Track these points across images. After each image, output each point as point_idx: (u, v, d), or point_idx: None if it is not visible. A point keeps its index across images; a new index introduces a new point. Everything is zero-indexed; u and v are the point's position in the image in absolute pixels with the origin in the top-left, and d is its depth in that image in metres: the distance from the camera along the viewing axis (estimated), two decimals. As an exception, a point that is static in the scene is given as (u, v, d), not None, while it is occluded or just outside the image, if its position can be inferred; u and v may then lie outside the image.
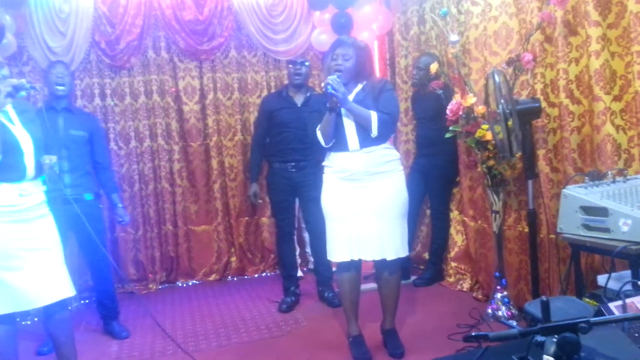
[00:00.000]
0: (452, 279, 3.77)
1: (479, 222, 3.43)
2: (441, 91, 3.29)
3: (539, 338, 1.30)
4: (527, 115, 2.69)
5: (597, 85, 2.46)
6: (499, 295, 3.01)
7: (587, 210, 2.18)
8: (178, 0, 4.28)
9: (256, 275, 4.54)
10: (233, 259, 4.57)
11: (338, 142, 2.60)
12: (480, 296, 3.42)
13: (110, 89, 4.31)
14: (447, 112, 3.07)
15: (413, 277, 3.92)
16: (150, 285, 4.34)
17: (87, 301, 3.99)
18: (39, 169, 2.33)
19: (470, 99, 2.99)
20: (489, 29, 3.12)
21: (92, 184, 3.26)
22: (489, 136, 2.90)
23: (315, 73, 4.52)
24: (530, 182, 2.80)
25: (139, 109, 4.35)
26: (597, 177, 2.35)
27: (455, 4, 3.46)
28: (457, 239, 3.79)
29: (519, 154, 2.80)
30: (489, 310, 3.02)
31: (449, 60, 3.53)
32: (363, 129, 2.55)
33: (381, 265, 2.67)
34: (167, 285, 4.44)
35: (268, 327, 3.27)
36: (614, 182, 2.26)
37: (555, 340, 1.14)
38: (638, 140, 2.40)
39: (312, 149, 3.47)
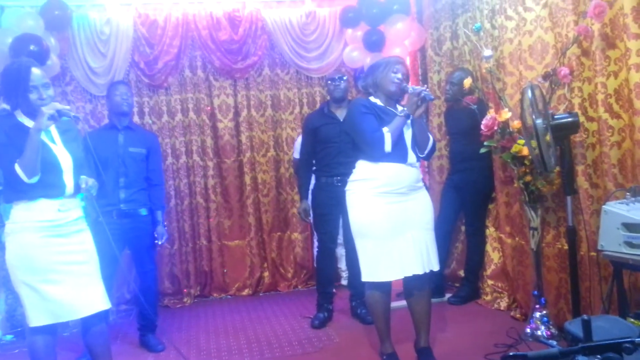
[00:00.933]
0: (488, 297, 3.69)
1: (517, 238, 3.35)
2: (475, 106, 3.26)
3: (580, 358, 1.26)
4: (565, 130, 2.64)
5: (637, 99, 2.40)
6: (537, 314, 2.93)
7: (629, 227, 2.12)
8: (214, 21, 4.41)
9: (288, 291, 4.55)
10: (265, 274, 4.60)
11: (398, 152, 2.59)
12: (518, 315, 3.33)
13: (148, 107, 4.45)
14: (482, 127, 3.04)
15: (447, 295, 3.85)
16: (185, 299, 4.40)
17: (123, 313, 4.08)
18: (78, 186, 2.40)
19: (506, 114, 2.96)
20: (523, 44, 3.08)
21: (147, 199, 3.35)
22: (525, 151, 2.85)
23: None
24: (569, 198, 2.73)
25: (175, 127, 4.47)
26: (639, 192, 2.28)
27: (488, 18, 3.44)
28: (494, 256, 3.71)
29: (556, 170, 2.74)
30: (528, 330, 2.94)
31: (482, 75, 3.50)
32: (414, 145, 2.66)
33: (413, 281, 2.64)
34: (201, 299, 4.50)
35: (300, 343, 3.26)
36: (657, 198, 2.19)
37: (597, 360, 1.11)
38: (683, 154, 2.32)
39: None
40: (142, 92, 4.43)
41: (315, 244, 4.21)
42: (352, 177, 2.70)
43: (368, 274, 2.62)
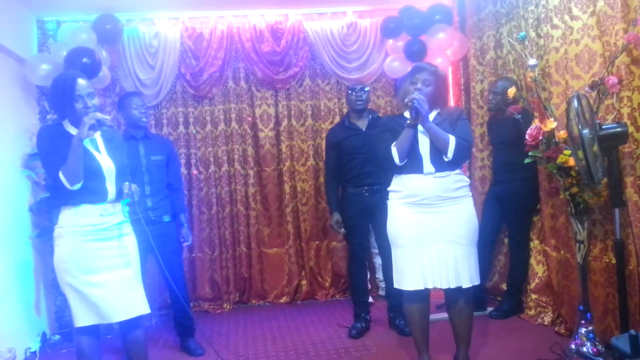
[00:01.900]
0: (532, 312, 3.58)
1: (562, 252, 3.25)
2: (519, 116, 3.20)
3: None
4: (613, 140, 2.56)
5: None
6: (583, 330, 2.82)
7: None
8: (257, 33, 4.51)
9: (326, 300, 4.56)
10: (303, 282, 4.63)
11: (412, 163, 2.58)
12: (562, 331, 3.22)
13: (193, 117, 4.57)
14: (526, 136, 2.99)
15: (489, 309, 3.76)
16: (225, 305, 4.47)
17: (165, 318, 4.17)
18: (121, 192, 2.49)
19: (551, 124, 2.89)
20: (570, 52, 3.02)
21: (170, 206, 3.44)
22: (571, 162, 2.77)
23: (387, 99, 4.58)
24: (617, 211, 2.64)
25: (218, 136, 4.58)
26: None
27: (534, 27, 3.38)
28: (538, 269, 3.61)
29: (604, 181, 2.66)
30: (573, 346, 2.83)
31: (527, 84, 3.43)
32: (437, 152, 2.55)
33: (454, 293, 2.60)
34: (240, 305, 4.56)
35: (338, 353, 3.26)
36: None
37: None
38: None
39: (384, 171, 3.48)
40: (188, 102, 4.56)
41: None
42: (389, 188, 2.73)
43: (396, 281, 2.65)
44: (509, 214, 3.72)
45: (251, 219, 4.61)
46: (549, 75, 3.21)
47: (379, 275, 4.34)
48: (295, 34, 4.53)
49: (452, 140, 2.53)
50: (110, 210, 2.45)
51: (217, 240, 4.53)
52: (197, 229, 4.49)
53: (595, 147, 2.49)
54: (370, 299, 4.16)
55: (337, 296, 4.59)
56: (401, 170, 2.61)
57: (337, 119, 4.59)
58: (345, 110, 4.65)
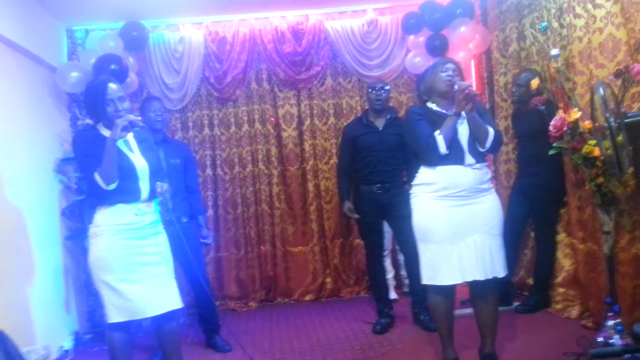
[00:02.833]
0: (559, 306, 3.52)
1: (589, 244, 3.19)
2: (543, 107, 3.16)
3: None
4: (639, 129, 2.49)
5: None
6: (611, 322, 2.75)
7: None
8: (279, 34, 4.56)
9: (351, 297, 4.57)
10: (328, 279, 4.65)
11: (453, 153, 2.55)
12: (590, 324, 3.16)
13: (217, 120, 4.66)
14: (551, 127, 2.94)
15: (515, 304, 3.71)
16: (251, 303, 4.53)
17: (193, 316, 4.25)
18: (153, 192, 2.57)
19: (575, 114, 2.84)
20: (593, 41, 2.96)
21: (187, 207, 3.53)
22: (597, 152, 2.72)
23: (409, 95, 4.57)
24: (644, 200, 2.58)
25: (242, 137, 4.65)
26: None
27: (556, 17, 3.33)
28: (565, 263, 3.54)
29: (630, 170, 2.59)
30: (600, 339, 2.77)
31: (551, 75, 3.38)
32: (474, 144, 2.56)
33: (483, 285, 2.58)
34: (266, 303, 4.61)
35: (362, 348, 3.27)
36: None
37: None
38: None
39: (399, 169, 3.52)
40: (212, 105, 4.65)
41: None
42: (415, 182, 2.70)
43: (428, 277, 2.61)
44: (535, 208, 3.66)
45: (276, 218, 4.66)
46: (573, 65, 3.15)
47: (403, 272, 4.33)
48: (316, 34, 4.57)
49: (491, 131, 2.55)
50: (145, 209, 2.53)
51: (242, 239, 4.60)
52: (222, 229, 4.58)
53: (621, 136, 2.43)
54: (395, 296, 4.16)
55: (361, 293, 4.60)
56: (440, 161, 2.55)
57: (359, 116, 4.61)
58: (367, 107, 4.66)
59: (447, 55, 4.18)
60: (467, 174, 2.55)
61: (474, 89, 2.49)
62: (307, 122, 4.66)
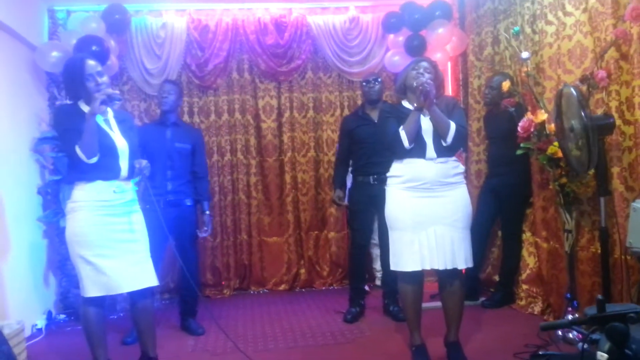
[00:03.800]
0: (523, 302, 3.68)
1: (551, 242, 3.35)
2: (513, 109, 3.29)
3: (594, 337, 1.32)
4: (600, 131, 2.65)
5: (676, 102, 2.39)
6: (570, 317, 2.91)
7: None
8: (261, 26, 4.61)
9: (323, 288, 4.67)
10: (302, 270, 4.73)
11: (416, 147, 2.66)
12: (551, 319, 3.31)
13: (197, 107, 4.69)
14: (519, 129, 3.08)
15: (482, 299, 3.86)
16: (225, 291, 4.59)
17: (167, 302, 4.30)
18: (132, 171, 2.62)
19: (542, 115, 2.99)
20: (563, 48, 3.11)
21: (191, 192, 3.57)
22: (561, 153, 2.87)
23: (387, 93, 4.67)
24: (602, 200, 2.73)
25: (221, 126, 4.69)
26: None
27: (529, 23, 3.48)
28: (529, 261, 3.70)
29: (591, 172, 2.75)
30: (559, 332, 2.93)
31: (522, 79, 3.53)
32: (438, 138, 2.65)
33: (449, 275, 2.70)
34: (240, 291, 4.67)
35: (333, 334, 3.37)
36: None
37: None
38: None
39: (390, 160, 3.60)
40: (193, 92, 4.68)
41: None
42: (388, 174, 2.81)
43: (393, 263, 2.73)
44: (503, 207, 3.80)
45: (252, 207, 4.72)
46: (543, 70, 3.30)
47: (376, 265, 4.44)
48: (299, 28, 4.64)
49: (452, 126, 2.64)
50: (123, 187, 2.57)
51: (218, 227, 4.64)
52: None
53: (585, 138, 2.57)
54: (367, 288, 4.26)
55: (334, 285, 4.70)
56: (405, 155, 2.68)
57: (338, 112, 4.71)
58: (345, 103, 4.78)
59: (425, 56, 4.31)
60: (430, 167, 2.65)
61: (430, 85, 2.56)
62: (287, 114, 4.73)
